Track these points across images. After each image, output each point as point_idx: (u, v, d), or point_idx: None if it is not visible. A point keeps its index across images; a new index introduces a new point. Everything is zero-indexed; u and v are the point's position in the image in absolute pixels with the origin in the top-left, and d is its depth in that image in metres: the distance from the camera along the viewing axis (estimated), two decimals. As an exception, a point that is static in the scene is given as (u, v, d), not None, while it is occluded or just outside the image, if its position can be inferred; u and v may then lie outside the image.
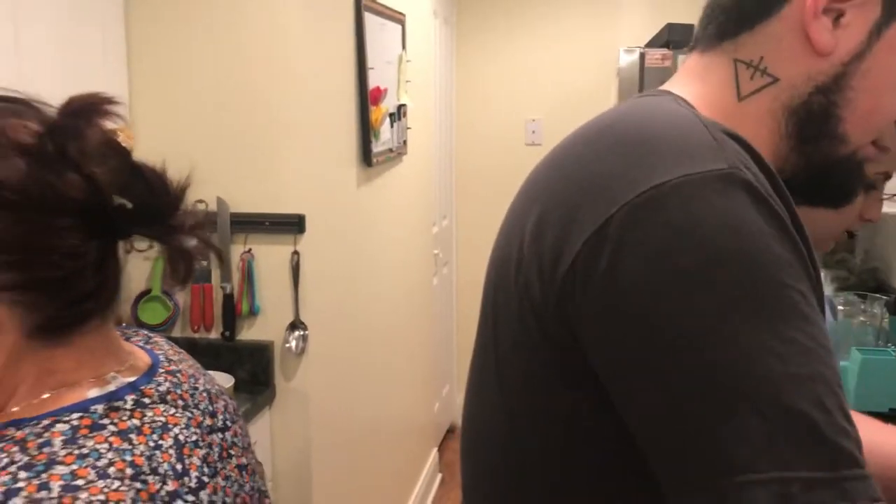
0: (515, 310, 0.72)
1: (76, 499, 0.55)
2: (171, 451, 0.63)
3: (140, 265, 1.95)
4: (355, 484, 2.48)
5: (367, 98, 2.37)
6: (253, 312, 1.96)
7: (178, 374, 0.72)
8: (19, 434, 0.59)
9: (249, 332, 1.98)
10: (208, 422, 0.71)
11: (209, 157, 1.90)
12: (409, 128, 2.89)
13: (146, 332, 0.78)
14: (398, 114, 2.74)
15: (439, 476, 3.67)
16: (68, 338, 0.63)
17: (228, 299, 1.94)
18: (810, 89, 0.73)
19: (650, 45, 3.44)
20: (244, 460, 0.74)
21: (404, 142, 2.86)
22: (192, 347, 1.77)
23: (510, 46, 4.01)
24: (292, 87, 1.92)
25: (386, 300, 2.81)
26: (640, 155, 0.65)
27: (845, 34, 0.72)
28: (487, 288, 0.84)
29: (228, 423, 0.74)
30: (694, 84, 0.77)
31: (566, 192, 0.69)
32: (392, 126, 2.67)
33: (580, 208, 0.65)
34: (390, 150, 2.67)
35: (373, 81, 2.41)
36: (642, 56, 3.19)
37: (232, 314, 1.94)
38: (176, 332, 1.97)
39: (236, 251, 1.95)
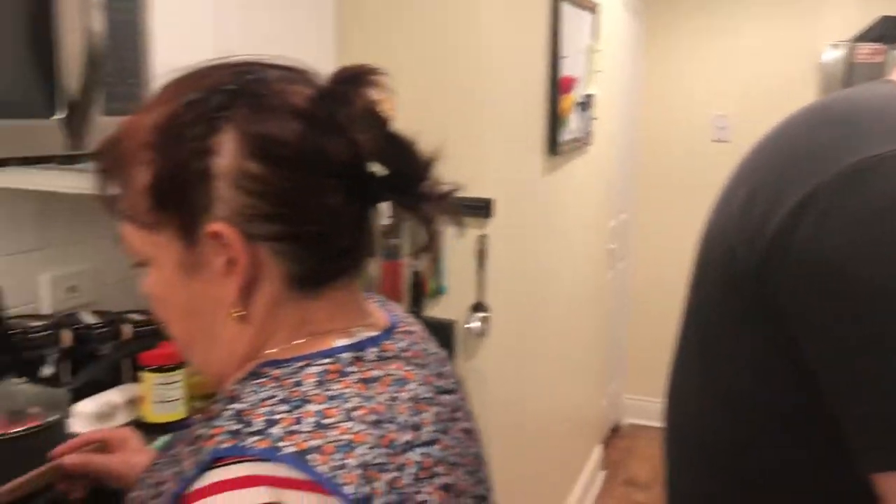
0: (720, 288, 0.75)
1: (325, 436, 0.59)
2: (408, 405, 0.66)
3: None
4: (523, 469, 2.50)
5: (557, 86, 2.38)
6: (439, 291, 2.03)
7: (413, 335, 0.75)
8: (276, 372, 0.64)
9: (434, 311, 2.05)
10: (439, 382, 0.73)
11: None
12: (594, 118, 2.87)
13: (380, 297, 0.82)
14: (585, 103, 2.72)
15: (602, 473, 3.63)
16: (322, 291, 0.67)
17: (417, 277, 2.01)
18: None
19: (858, 39, 3.22)
20: (468, 425, 0.76)
21: (589, 132, 2.84)
22: (382, 320, 1.85)
23: (700, 40, 3.88)
24: (488, 74, 1.96)
25: (563, 290, 2.81)
26: (850, 131, 0.67)
27: None
28: (693, 280, 0.85)
29: (455, 387, 0.77)
30: None
31: (776, 167, 0.71)
32: (579, 116, 2.66)
33: (788, 180, 0.68)
34: (575, 140, 2.66)
35: (564, 70, 2.41)
36: (851, 50, 2.99)
37: (420, 292, 2.02)
38: (365, 306, 2.07)
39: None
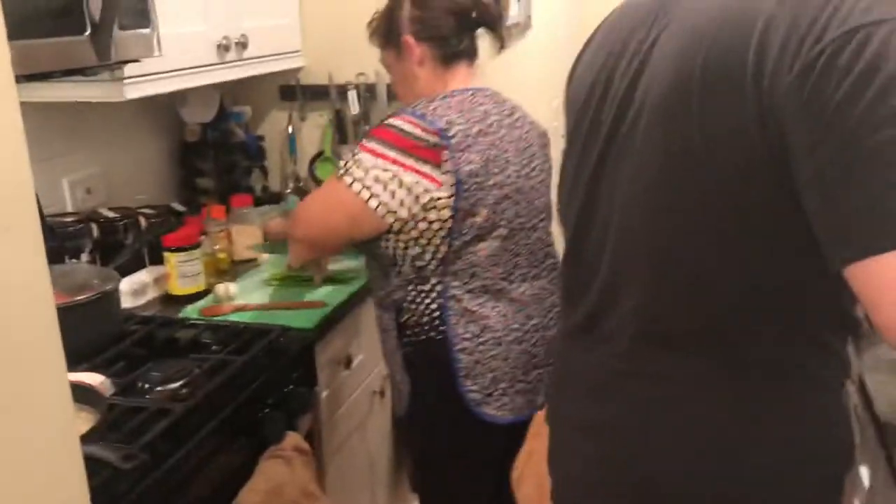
0: (740, 110, 0.75)
1: (434, 109, 1.45)
2: (481, 111, 1.49)
3: (313, 131, 2.28)
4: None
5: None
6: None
7: (497, 105, 1.55)
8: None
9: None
10: (509, 121, 1.54)
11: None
12: None
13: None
14: (523, -12, 2.89)
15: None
16: (454, 67, 1.54)
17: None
18: None
19: None
20: (532, 149, 1.58)
21: (529, 16, 3.03)
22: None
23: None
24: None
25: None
26: None
27: None
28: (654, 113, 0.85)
29: (527, 135, 1.58)
30: None
31: None
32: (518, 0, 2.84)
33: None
34: (517, 25, 2.86)
35: (501, -41, 2.58)
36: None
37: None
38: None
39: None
